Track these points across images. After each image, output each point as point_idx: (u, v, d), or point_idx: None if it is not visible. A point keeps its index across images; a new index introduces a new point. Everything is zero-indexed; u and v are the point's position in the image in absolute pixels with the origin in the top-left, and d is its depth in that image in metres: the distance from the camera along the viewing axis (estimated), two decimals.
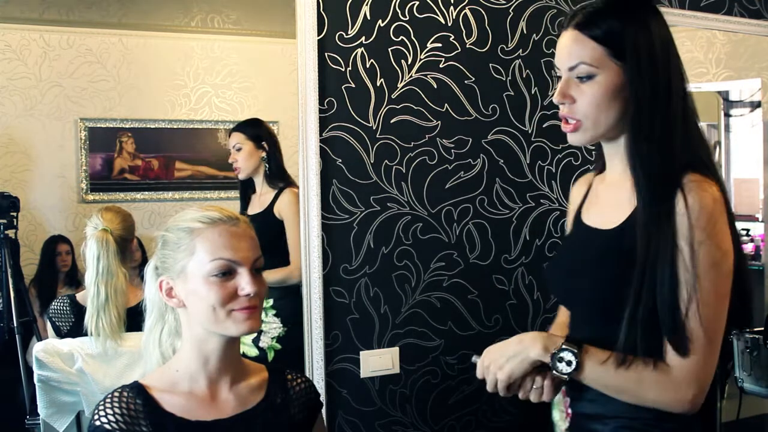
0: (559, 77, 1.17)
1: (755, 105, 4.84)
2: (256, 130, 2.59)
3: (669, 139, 1.12)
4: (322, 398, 1.74)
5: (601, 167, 1.31)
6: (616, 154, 1.21)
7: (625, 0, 1.16)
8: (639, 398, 1.12)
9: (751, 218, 4.78)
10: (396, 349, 2.16)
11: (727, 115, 5.08)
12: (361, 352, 2.13)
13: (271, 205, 2.46)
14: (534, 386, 1.13)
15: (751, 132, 4.94)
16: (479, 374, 1.18)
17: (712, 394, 2.71)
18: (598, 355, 1.11)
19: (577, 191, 1.39)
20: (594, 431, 1.20)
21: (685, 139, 1.14)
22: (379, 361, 2.14)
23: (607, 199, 1.24)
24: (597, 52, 1.12)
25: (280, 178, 2.53)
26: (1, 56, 3.90)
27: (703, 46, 4.23)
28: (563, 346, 1.10)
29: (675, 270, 1.07)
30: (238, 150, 2.57)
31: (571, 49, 1.14)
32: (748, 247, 4.56)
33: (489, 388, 1.16)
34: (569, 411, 1.25)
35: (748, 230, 4.70)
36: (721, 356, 3.01)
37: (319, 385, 2.04)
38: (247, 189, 2.65)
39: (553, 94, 1.24)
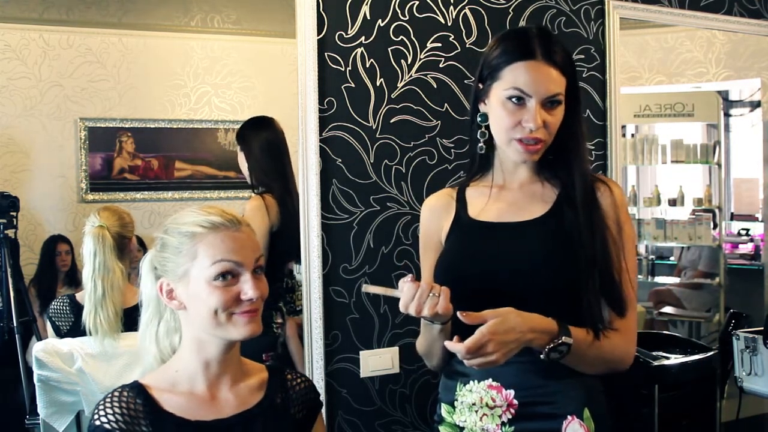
0: (514, 99, 1.25)
1: (755, 105, 4.84)
2: (240, 134, 2.47)
3: (586, 145, 1.37)
4: (322, 398, 1.74)
5: (466, 180, 1.43)
6: (523, 165, 1.34)
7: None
8: (608, 364, 1.27)
9: (751, 218, 4.78)
10: (396, 349, 2.16)
11: (727, 115, 5.08)
12: (360, 352, 2.13)
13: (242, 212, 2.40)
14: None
15: (751, 132, 4.94)
16: (469, 347, 1.11)
17: (712, 394, 2.71)
18: (585, 340, 1.21)
19: (437, 206, 1.43)
20: (546, 414, 1.23)
21: None
22: (378, 361, 2.14)
23: (513, 200, 1.35)
24: (564, 82, 1.27)
25: (256, 182, 2.39)
26: (1, 56, 3.91)
27: (703, 46, 4.24)
28: (562, 340, 1.17)
29: (607, 245, 1.26)
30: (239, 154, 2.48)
31: (555, 83, 1.26)
32: (748, 247, 4.56)
33: (464, 356, 1.12)
34: (514, 402, 1.23)
35: (748, 230, 4.70)
36: (721, 356, 2.99)
37: (319, 384, 2.04)
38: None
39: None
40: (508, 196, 1.36)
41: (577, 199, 1.28)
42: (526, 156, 1.27)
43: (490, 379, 1.26)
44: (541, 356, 1.17)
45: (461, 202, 1.40)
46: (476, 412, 1.27)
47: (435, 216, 1.42)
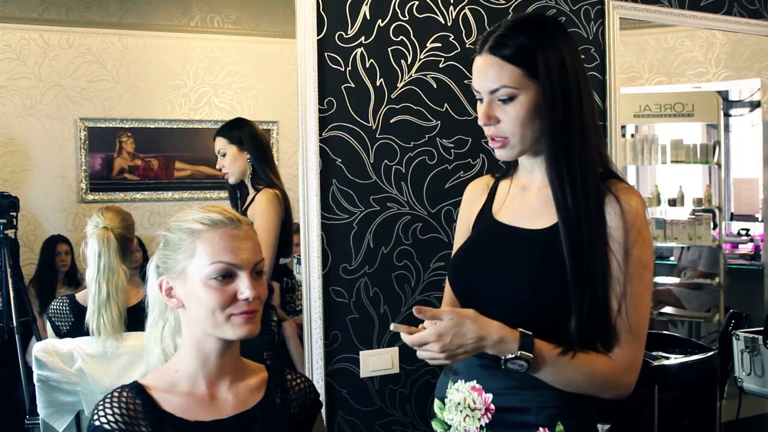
0: (480, 99, 1.21)
1: (755, 105, 4.85)
2: (237, 133, 2.49)
3: (587, 150, 1.19)
4: (322, 398, 1.74)
5: (505, 172, 1.37)
6: (537, 165, 1.26)
7: (532, 20, 1.23)
8: (587, 389, 1.18)
9: (751, 218, 4.78)
10: (395, 349, 2.16)
11: (727, 115, 5.09)
12: (360, 352, 2.13)
13: (247, 207, 2.42)
14: None
15: (751, 132, 4.95)
16: (413, 342, 1.12)
17: (712, 394, 2.71)
18: (550, 356, 1.14)
19: (475, 191, 1.41)
20: (519, 423, 1.20)
21: (599, 151, 1.23)
22: (378, 361, 2.14)
23: (529, 203, 1.28)
24: (515, 74, 1.16)
25: (262, 179, 2.46)
26: (1, 56, 3.91)
27: (702, 46, 4.24)
28: (518, 354, 1.12)
29: (608, 270, 1.16)
30: (223, 155, 2.49)
31: (490, 74, 1.18)
32: (748, 247, 4.56)
33: (416, 349, 1.13)
34: (492, 407, 1.22)
35: (747, 230, 4.71)
36: (721, 356, 2.98)
37: (319, 385, 2.04)
38: (239, 192, 2.58)
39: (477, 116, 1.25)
40: (527, 198, 1.29)
41: (567, 212, 1.18)
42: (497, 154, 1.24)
43: (474, 381, 1.25)
44: (502, 366, 1.14)
45: (491, 194, 1.36)
46: (461, 411, 1.26)
47: (470, 201, 1.40)
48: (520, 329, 1.14)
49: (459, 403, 1.27)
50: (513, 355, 1.12)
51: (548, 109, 1.17)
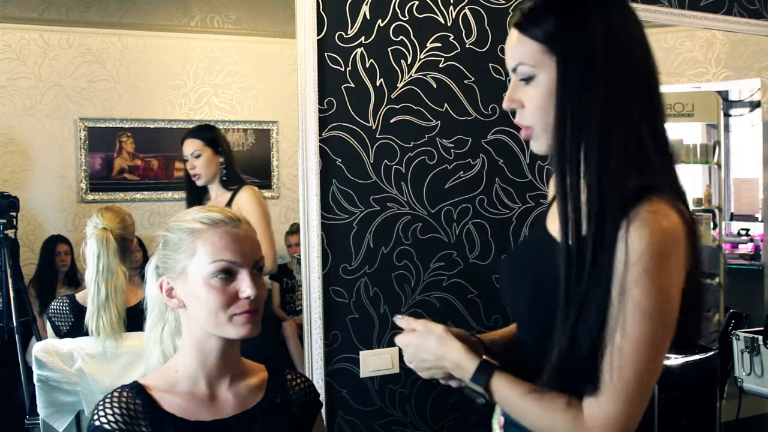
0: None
1: (755, 105, 4.85)
2: (213, 136, 2.57)
3: (613, 152, 0.96)
4: (322, 398, 1.74)
5: None
6: None
7: None
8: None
9: (751, 218, 4.79)
10: (396, 349, 2.16)
11: (727, 115, 5.09)
12: (360, 352, 2.13)
13: (229, 204, 2.48)
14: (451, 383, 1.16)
15: (751, 132, 4.96)
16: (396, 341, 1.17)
17: (712, 394, 2.70)
18: (505, 393, 1.04)
19: (552, 190, 1.26)
20: None
21: (639, 156, 0.98)
22: (378, 361, 2.14)
23: None
24: (534, 50, 0.99)
25: (234, 180, 2.55)
26: (1, 56, 3.91)
27: (702, 46, 4.24)
28: (469, 384, 1.07)
29: (608, 302, 0.94)
30: (197, 157, 2.53)
31: (512, 50, 1.03)
32: (748, 247, 4.57)
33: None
34: (501, 417, 1.20)
35: (747, 230, 4.71)
36: (721, 356, 2.96)
37: (319, 385, 2.04)
38: (198, 194, 2.62)
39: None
40: None
41: (567, 230, 0.98)
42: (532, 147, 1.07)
43: None
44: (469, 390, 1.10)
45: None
46: (495, 421, 1.26)
47: (549, 196, 1.29)
48: (484, 356, 1.06)
49: (497, 413, 1.25)
50: (464, 384, 1.09)
51: (559, 98, 0.97)
